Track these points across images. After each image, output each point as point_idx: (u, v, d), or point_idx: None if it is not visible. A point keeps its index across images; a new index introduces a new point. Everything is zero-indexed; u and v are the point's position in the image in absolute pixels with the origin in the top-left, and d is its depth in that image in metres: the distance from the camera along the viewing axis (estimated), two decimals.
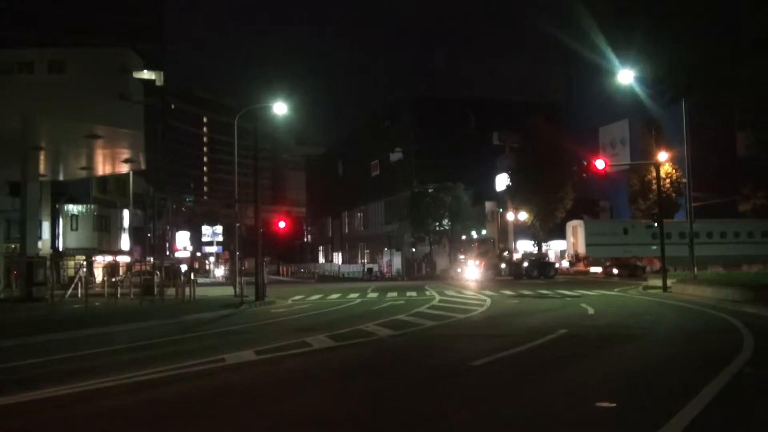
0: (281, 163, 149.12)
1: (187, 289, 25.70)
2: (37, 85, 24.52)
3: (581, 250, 47.34)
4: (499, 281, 41.49)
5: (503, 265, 49.04)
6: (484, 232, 58.58)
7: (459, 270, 50.07)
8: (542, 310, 19.65)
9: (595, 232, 47.64)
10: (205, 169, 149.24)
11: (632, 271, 44.78)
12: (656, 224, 48.77)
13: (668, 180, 50.25)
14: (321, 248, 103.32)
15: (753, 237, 47.87)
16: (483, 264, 49.12)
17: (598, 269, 49.43)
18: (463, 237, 58.47)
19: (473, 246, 53.76)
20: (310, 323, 17.05)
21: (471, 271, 47.60)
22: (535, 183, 54.79)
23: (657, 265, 48.53)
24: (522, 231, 60.60)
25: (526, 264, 46.21)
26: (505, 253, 52.20)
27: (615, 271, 45.86)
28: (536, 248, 56.44)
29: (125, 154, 30.60)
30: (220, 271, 75.52)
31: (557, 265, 50.62)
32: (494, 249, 53.19)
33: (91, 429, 6.77)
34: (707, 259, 39.56)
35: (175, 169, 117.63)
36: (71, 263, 41.19)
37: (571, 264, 51.62)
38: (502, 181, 64.60)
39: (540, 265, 46.22)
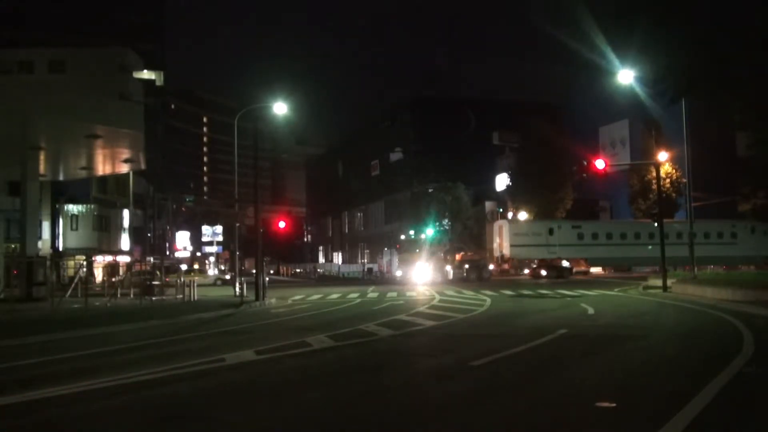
0: (281, 163, 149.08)
1: (187, 289, 25.72)
2: (37, 85, 24.53)
3: (506, 251, 46.14)
4: (440, 283, 39.79)
5: (448, 267, 46.68)
6: (430, 231, 56.25)
7: (399, 273, 44.76)
8: (542, 310, 19.64)
9: (520, 233, 46.44)
10: (205, 169, 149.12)
11: (560, 273, 44.04)
12: (580, 226, 48.10)
13: (668, 180, 50.32)
14: (321, 248, 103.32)
15: (735, 237, 47.27)
16: (431, 265, 46.20)
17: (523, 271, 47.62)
18: (402, 236, 54.63)
19: (419, 246, 49.40)
20: (310, 323, 17.05)
21: (420, 272, 43.13)
22: (535, 183, 54.79)
23: (583, 266, 47.90)
24: None
25: (466, 266, 45.13)
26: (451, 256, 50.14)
27: (543, 272, 44.92)
28: None
29: (125, 154, 30.62)
30: (214, 271, 75.25)
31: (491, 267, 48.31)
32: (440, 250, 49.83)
33: (91, 429, 6.77)
34: (685, 260, 39.09)
35: (175, 169, 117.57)
36: (71, 263, 41.19)
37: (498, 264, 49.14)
38: (502, 181, 64.60)
39: (477, 267, 45.09)
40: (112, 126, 25.59)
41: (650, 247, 45.78)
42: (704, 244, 43.33)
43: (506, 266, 47.92)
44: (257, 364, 10.36)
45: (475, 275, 43.40)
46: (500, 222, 49.08)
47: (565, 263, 45.95)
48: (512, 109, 67.17)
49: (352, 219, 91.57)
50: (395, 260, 59.24)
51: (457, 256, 48.47)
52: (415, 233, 55.23)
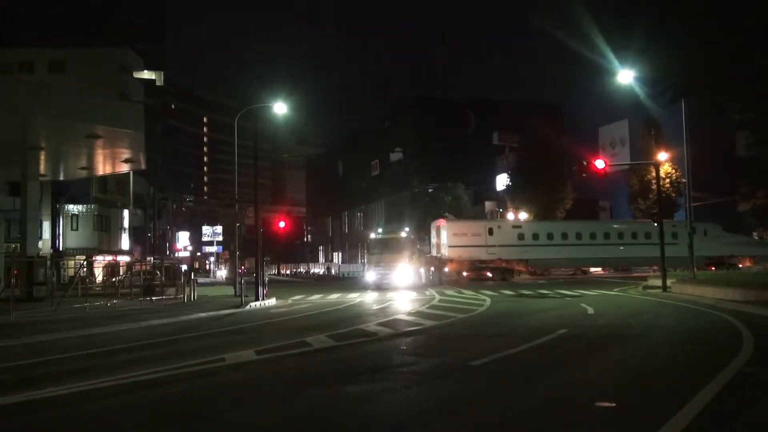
0: (281, 163, 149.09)
1: (187, 289, 25.72)
2: (37, 85, 24.54)
3: (444, 251, 44.54)
4: (421, 286, 36.35)
5: (422, 270, 43.79)
6: (407, 229, 52.34)
7: (373, 276, 39.42)
8: (542, 310, 19.64)
9: (458, 233, 44.79)
10: (205, 169, 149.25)
11: (504, 275, 43.13)
12: (521, 225, 47.15)
13: (668, 180, 50.32)
14: (321, 248, 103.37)
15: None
16: (411, 267, 42.13)
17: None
18: (372, 235, 50.55)
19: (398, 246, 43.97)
20: (310, 323, 17.05)
21: (400, 275, 37.87)
22: (535, 183, 54.85)
23: (523, 269, 47.08)
24: None
25: (432, 269, 43.79)
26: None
27: (489, 274, 43.72)
28: None
29: (125, 154, 30.61)
30: (222, 272, 75.54)
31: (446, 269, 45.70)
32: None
33: (90, 429, 6.77)
34: (639, 260, 38.45)
35: (175, 169, 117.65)
36: (71, 263, 41.18)
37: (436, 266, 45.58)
38: (502, 181, 64.72)
39: (439, 269, 43.65)
40: (112, 126, 25.58)
41: (595, 247, 45.46)
42: (646, 244, 42.27)
43: (451, 266, 44.87)
44: (257, 364, 10.36)
45: (437, 278, 42.31)
46: (438, 221, 47.36)
47: (505, 264, 44.59)
48: (512, 109, 67.30)
49: (352, 219, 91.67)
50: (366, 262, 51.93)
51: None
52: (383, 231, 52.57)
